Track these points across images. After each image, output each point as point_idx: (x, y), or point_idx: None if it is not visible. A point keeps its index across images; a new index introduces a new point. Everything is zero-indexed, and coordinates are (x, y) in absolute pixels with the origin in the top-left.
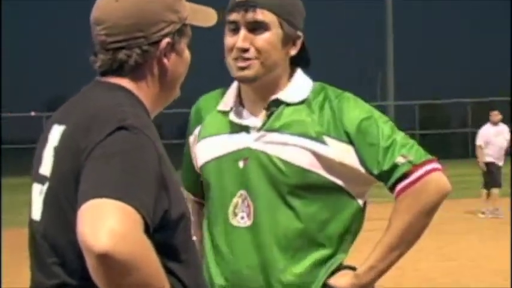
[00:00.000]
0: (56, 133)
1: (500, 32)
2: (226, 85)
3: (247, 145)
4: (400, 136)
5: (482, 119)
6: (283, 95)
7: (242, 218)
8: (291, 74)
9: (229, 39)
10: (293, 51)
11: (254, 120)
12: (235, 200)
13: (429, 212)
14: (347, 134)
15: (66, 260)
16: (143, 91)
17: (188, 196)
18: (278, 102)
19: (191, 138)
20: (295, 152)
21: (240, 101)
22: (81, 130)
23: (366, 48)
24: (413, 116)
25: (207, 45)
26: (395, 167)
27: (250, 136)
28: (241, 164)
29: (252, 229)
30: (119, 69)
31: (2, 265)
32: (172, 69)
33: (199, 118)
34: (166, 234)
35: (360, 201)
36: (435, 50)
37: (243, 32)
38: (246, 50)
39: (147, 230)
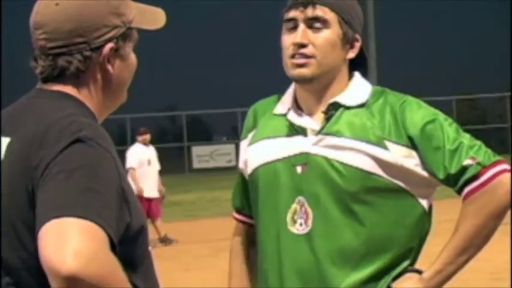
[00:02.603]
0: (1, 145)
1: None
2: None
3: (306, 150)
4: (466, 138)
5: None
6: (342, 98)
7: (300, 224)
8: (349, 78)
9: (286, 37)
10: (351, 54)
11: (312, 123)
12: (293, 206)
13: (499, 215)
14: (410, 139)
15: (21, 279)
16: (87, 99)
17: (236, 217)
18: (337, 106)
19: (244, 143)
20: (355, 155)
21: (297, 105)
22: (32, 145)
23: None
24: None
25: None
26: (463, 169)
27: (308, 140)
28: (299, 169)
29: (310, 236)
30: (60, 76)
31: None
32: (117, 75)
33: (255, 122)
34: (127, 247)
35: (425, 204)
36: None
37: (301, 27)
38: (304, 46)
39: (113, 247)
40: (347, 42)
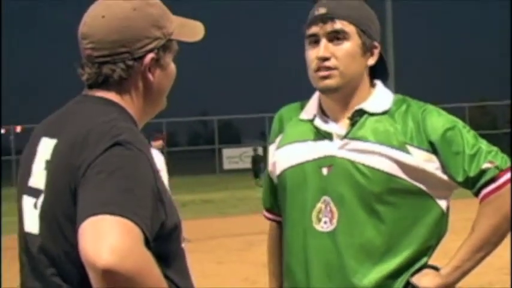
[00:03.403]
0: (46, 146)
1: None
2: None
3: (331, 153)
4: (484, 144)
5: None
6: (366, 105)
7: (325, 223)
8: (371, 85)
9: (310, 52)
10: (371, 61)
11: (338, 129)
12: (318, 205)
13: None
14: (431, 144)
15: (65, 270)
16: (129, 105)
17: (267, 216)
18: (361, 112)
19: (272, 147)
20: (379, 158)
21: (322, 111)
22: (75, 146)
23: None
24: None
25: None
26: (482, 172)
27: (334, 144)
28: (324, 171)
29: (334, 234)
30: (104, 83)
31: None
32: (157, 83)
33: (281, 127)
34: (161, 243)
35: (443, 205)
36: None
37: (323, 42)
38: (326, 59)
39: (147, 243)
40: (367, 50)
